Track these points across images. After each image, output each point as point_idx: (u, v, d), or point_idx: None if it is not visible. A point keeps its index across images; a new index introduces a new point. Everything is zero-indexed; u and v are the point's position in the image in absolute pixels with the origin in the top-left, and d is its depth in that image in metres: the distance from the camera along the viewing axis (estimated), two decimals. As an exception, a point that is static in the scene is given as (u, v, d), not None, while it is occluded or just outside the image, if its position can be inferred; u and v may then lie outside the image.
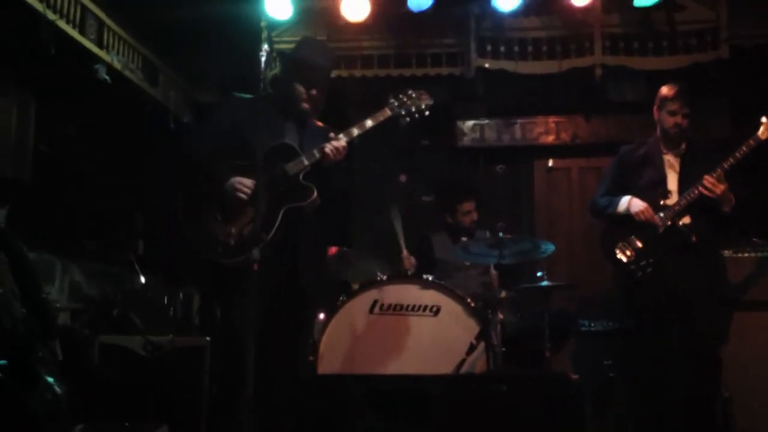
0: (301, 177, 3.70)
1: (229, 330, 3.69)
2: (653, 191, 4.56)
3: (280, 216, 3.61)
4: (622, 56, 6.41)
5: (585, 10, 6.19)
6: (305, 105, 3.83)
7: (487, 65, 6.45)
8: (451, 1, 6.26)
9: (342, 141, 3.74)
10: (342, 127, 3.84)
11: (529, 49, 6.45)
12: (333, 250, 5.45)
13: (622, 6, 6.31)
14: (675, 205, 4.48)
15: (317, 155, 3.70)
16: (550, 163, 7.26)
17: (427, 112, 3.89)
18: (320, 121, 3.97)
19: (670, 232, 4.47)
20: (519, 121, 7.21)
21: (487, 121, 7.22)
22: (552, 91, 6.88)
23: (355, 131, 3.79)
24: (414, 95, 3.88)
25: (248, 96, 3.98)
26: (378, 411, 3.65)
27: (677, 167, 4.62)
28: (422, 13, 6.14)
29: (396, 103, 3.87)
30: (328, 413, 3.73)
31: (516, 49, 6.44)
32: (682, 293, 4.39)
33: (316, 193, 3.69)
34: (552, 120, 7.20)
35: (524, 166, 7.28)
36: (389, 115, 3.85)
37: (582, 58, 6.41)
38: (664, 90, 4.63)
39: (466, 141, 7.23)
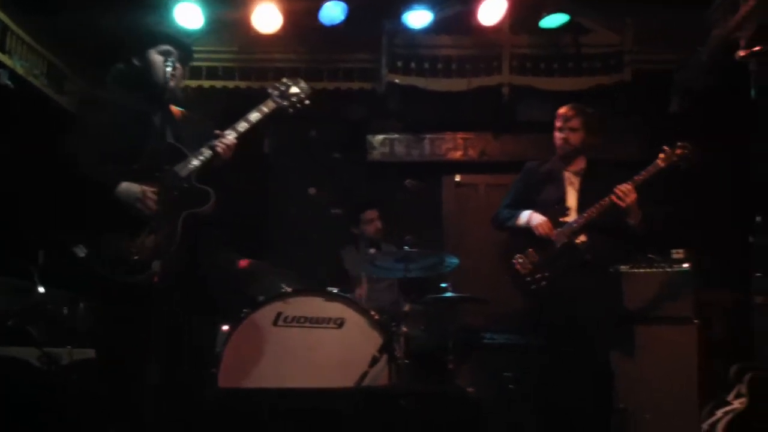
0: (193, 179, 3.57)
1: (127, 344, 3.50)
2: (553, 208, 4.70)
3: (180, 224, 3.48)
4: (529, 76, 6.59)
5: (494, 30, 6.33)
6: (172, 82, 3.64)
7: (398, 81, 6.55)
8: (364, 16, 6.31)
9: (231, 137, 3.65)
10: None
11: (440, 66, 6.58)
12: (244, 262, 5.41)
13: (530, 28, 6.47)
14: (573, 222, 4.61)
15: (207, 155, 3.58)
16: (458, 178, 7.36)
17: (308, 101, 3.86)
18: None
19: (566, 249, 4.60)
20: (428, 136, 7.28)
21: (397, 136, 7.28)
22: (461, 108, 6.97)
23: (242, 125, 3.69)
24: (291, 83, 3.85)
25: (120, 88, 3.78)
26: (278, 425, 3.63)
27: (577, 185, 4.76)
28: (334, 28, 6.18)
29: (277, 93, 3.82)
30: (228, 427, 3.68)
31: (426, 66, 6.57)
32: (579, 309, 4.51)
33: (214, 197, 3.58)
34: (460, 136, 7.30)
35: (433, 181, 7.36)
36: (274, 106, 3.79)
37: (490, 77, 6.57)
38: (559, 110, 4.81)
39: (376, 155, 7.28)
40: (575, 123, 4.73)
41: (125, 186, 3.48)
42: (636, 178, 4.52)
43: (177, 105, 3.85)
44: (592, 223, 4.57)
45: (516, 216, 4.79)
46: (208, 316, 4.05)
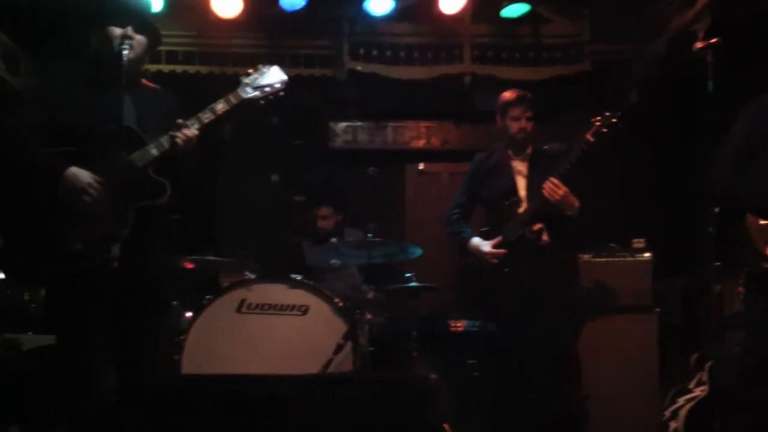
0: (150, 170, 3.33)
1: (82, 331, 3.27)
2: (505, 201, 4.68)
3: (131, 215, 3.24)
4: (490, 66, 6.62)
5: (455, 19, 6.35)
6: (127, 53, 3.27)
7: (359, 68, 6.54)
8: (325, 3, 6.28)
9: (193, 129, 3.38)
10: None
11: (401, 54, 6.57)
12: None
13: (491, 17, 6.49)
14: (524, 213, 4.60)
15: (166, 145, 3.32)
16: (421, 166, 7.36)
17: (282, 92, 3.60)
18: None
19: (520, 240, 4.59)
20: (391, 124, 7.26)
21: (359, 124, 7.25)
22: (423, 97, 6.98)
23: (207, 116, 3.43)
24: (266, 71, 3.57)
25: (73, 65, 3.53)
26: (236, 410, 3.58)
27: (525, 172, 4.74)
28: (295, 14, 6.14)
29: (248, 83, 3.55)
30: (185, 414, 3.61)
31: (388, 53, 6.56)
32: (535, 298, 4.52)
33: (170, 189, 3.34)
34: (423, 125, 7.29)
35: (396, 170, 7.35)
36: (243, 98, 3.52)
37: (451, 66, 6.59)
38: (506, 95, 4.76)
39: (338, 143, 7.24)
40: (530, 111, 4.71)
41: (73, 171, 3.20)
42: (564, 166, 4.45)
43: (143, 79, 3.62)
44: (540, 213, 4.56)
45: (463, 239, 4.82)
46: (162, 303, 3.88)
